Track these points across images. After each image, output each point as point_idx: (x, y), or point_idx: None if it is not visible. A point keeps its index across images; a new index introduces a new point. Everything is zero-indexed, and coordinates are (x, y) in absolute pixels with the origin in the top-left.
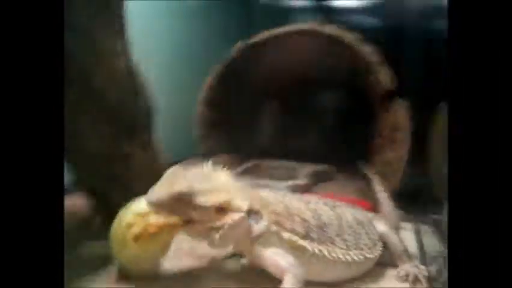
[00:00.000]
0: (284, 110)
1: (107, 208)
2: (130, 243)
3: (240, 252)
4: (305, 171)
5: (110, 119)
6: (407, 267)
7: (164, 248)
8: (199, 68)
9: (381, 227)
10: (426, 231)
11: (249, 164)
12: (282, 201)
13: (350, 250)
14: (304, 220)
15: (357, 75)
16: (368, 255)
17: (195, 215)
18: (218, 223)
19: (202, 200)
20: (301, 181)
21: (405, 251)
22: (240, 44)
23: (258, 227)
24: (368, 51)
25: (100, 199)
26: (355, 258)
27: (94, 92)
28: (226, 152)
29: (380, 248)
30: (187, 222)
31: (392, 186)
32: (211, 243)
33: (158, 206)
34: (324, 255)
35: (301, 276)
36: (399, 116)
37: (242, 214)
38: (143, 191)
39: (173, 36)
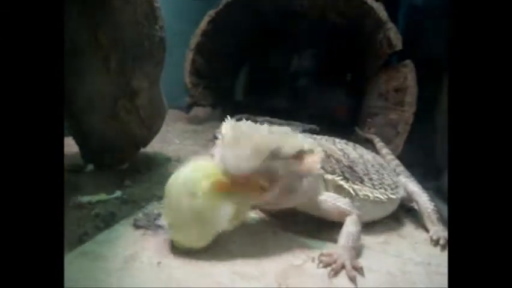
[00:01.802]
0: (275, 64)
1: (101, 155)
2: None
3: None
4: (294, 129)
5: (121, 47)
6: (438, 231)
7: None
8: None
9: (411, 186)
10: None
11: (237, 117)
12: (319, 143)
13: (376, 189)
14: (338, 160)
15: (364, 33)
16: (391, 196)
17: (279, 168)
18: (304, 167)
19: (286, 150)
20: None
21: (435, 212)
22: None
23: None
24: (379, 8)
25: (93, 144)
26: (380, 197)
27: (107, 9)
28: (209, 102)
29: (401, 192)
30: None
31: (395, 148)
32: (296, 192)
33: (254, 173)
34: (356, 194)
35: (359, 218)
36: (407, 77)
37: (321, 153)
38: (144, 138)
39: None
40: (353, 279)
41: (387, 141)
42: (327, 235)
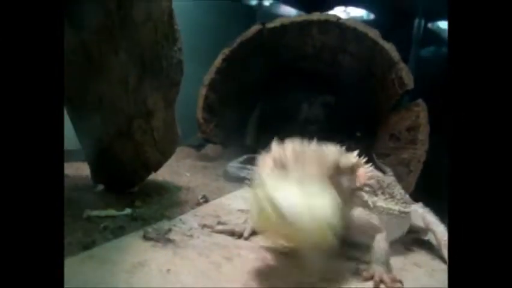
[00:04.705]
0: (286, 108)
1: (112, 176)
2: None
3: None
4: None
5: (140, 65)
6: None
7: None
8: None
9: (429, 216)
10: None
11: (245, 156)
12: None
13: (388, 202)
14: None
15: (374, 74)
16: (402, 209)
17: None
18: (357, 181)
19: (344, 161)
20: None
21: None
22: (256, 26)
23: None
24: (391, 48)
25: (105, 164)
26: (393, 208)
27: (128, 25)
28: (220, 140)
29: (410, 208)
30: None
31: (407, 186)
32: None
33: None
34: (374, 206)
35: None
36: (419, 116)
37: (368, 166)
38: (157, 161)
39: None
40: None
41: (400, 179)
42: None
